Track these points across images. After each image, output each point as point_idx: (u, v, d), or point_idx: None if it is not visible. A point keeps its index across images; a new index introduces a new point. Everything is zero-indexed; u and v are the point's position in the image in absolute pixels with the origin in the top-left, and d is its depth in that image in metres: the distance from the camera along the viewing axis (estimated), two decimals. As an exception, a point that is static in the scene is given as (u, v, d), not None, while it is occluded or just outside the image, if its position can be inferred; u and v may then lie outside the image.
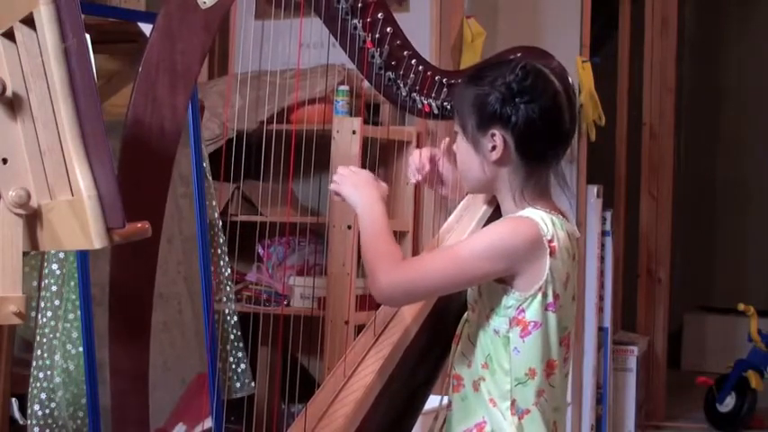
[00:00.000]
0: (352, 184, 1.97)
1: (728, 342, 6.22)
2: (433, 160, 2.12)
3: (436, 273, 1.84)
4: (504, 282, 1.83)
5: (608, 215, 4.65)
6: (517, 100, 1.83)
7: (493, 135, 1.84)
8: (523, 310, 1.82)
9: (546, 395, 1.85)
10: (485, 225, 2.03)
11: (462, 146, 1.90)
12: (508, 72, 1.84)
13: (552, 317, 1.83)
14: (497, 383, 1.85)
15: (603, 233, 4.61)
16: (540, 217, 1.83)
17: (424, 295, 1.94)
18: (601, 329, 4.59)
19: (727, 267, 6.93)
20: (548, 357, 1.84)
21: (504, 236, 1.82)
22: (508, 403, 1.84)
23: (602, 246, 4.60)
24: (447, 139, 2.13)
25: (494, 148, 1.85)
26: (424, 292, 1.90)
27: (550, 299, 1.82)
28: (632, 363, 4.83)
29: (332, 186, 1.99)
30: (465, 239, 1.92)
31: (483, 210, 2.08)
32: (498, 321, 1.84)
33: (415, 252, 3.63)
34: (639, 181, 5.39)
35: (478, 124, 1.85)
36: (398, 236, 3.65)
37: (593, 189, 4.45)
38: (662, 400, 5.38)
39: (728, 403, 5.17)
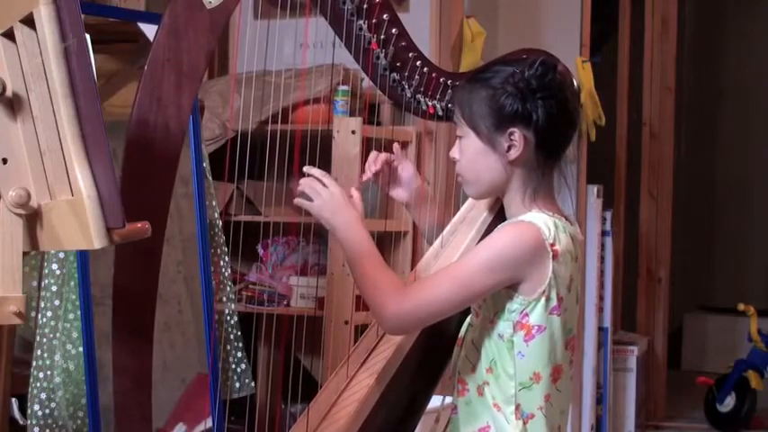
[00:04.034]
0: (330, 209, 1.90)
1: (728, 342, 6.22)
2: (389, 163, 2.08)
3: (442, 296, 1.81)
4: (508, 286, 1.82)
5: (608, 215, 4.65)
6: (538, 96, 1.81)
7: (511, 134, 1.82)
8: (527, 314, 1.81)
9: (553, 399, 1.84)
10: (488, 227, 2.02)
11: (473, 149, 1.86)
12: (527, 67, 1.82)
13: (557, 320, 1.82)
14: (502, 388, 1.84)
15: (603, 233, 4.61)
16: (542, 220, 1.82)
17: (434, 319, 1.88)
18: (601, 329, 4.59)
19: (727, 267, 6.93)
20: (554, 362, 1.83)
21: (507, 246, 1.80)
22: (512, 408, 1.83)
23: (602, 246, 4.59)
24: (397, 144, 2.12)
25: (510, 147, 1.83)
26: (434, 316, 1.85)
27: (554, 302, 1.81)
28: (632, 363, 4.82)
29: (307, 205, 1.91)
30: (467, 254, 1.88)
31: (485, 213, 2.08)
32: (503, 326, 1.83)
33: (416, 251, 3.63)
34: (639, 181, 5.39)
35: (496, 124, 1.83)
36: (399, 236, 3.65)
37: (593, 189, 4.45)
38: (662, 400, 5.37)
39: (728, 403, 5.17)
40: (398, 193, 2.13)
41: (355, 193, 1.96)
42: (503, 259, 1.79)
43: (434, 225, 2.15)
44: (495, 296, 1.84)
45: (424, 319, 1.86)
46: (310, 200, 1.92)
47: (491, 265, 1.79)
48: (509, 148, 1.83)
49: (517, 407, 1.83)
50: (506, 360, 1.83)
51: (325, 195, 1.91)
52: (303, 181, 1.93)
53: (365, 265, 1.85)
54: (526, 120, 1.82)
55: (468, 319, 1.96)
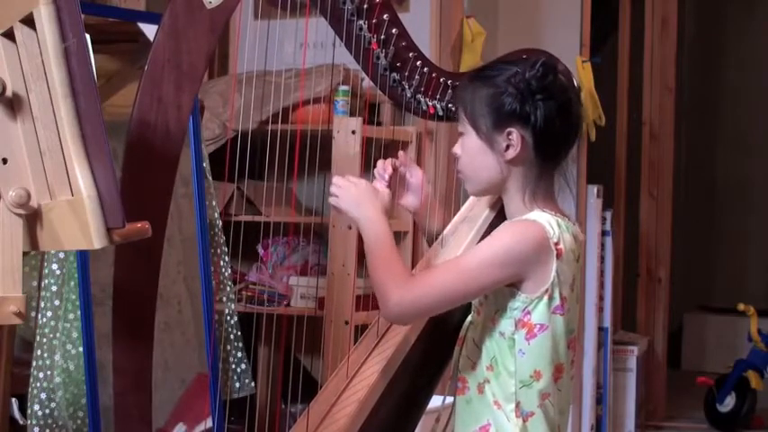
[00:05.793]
0: (353, 200, 1.93)
1: (728, 342, 6.23)
2: (395, 168, 2.07)
3: (445, 287, 1.81)
4: (511, 284, 1.82)
5: (608, 215, 4.65)
6: (537, 97, 1.81)
7: (509, 134, 1.82)
8: (529, 313, 1.81)
9: (552, 398, 1.84)
10: (488, 227, 2.02)
11: (473, 146, 1.86)
12: (527, 68, 1.82)
13: (560, 320, 1.82)
14: (502, 386, 1.84)
15: (603, 233, 4.61)
16: (546, 220, 1.82)
17: (433, 312, 1.90)
18: (601, 329, 4.59)
19: (727, 267, 6.93)
20: (555, 360, 1.83)
21: (511, 242, 1.80)
22: (513, 405, 1.83)
23: (602, 246, 4.60)
24: (401, 152, 2.11)
25: (508, 147, 1.83)
26: (435, 307, 1.86)
27: (557, 301, 1.81)
28: (632, 363, 4.82)
29: (331, 200, 1.95)
30: (472, 249, 1.89)
31: (486, 213, 2.08)
32: (504, 323, 1.83)
33: (416, 251, 3.63)
34: (639, 181, 5.39)
35: (495, 123, 1.83)
36: (399, 236, 3.64)
37: (593, 189, 4.46)
38: (662, 400, 5.38)
39: (728, 403, 5.17)
40: (408, 201, 2.12)
41: (382, 187, 1.99)
42: (506, 256, 1.79)
43: (440, 230, 2.14)
44: (497, 294, 1.84)
45: (424, 310, 1.87)
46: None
47: (494, 261, 1.79)
48: (507, 147, 1.84)
49: (517, 405, 1.83)
50: (507, 358, 1.83)
51: (351, 189, 1.93)
52: (333, 180, 1.96)
53: (379, 254, 1.86)
54: (524, 120, 1.82)
55: (469, 318, 1.96)
